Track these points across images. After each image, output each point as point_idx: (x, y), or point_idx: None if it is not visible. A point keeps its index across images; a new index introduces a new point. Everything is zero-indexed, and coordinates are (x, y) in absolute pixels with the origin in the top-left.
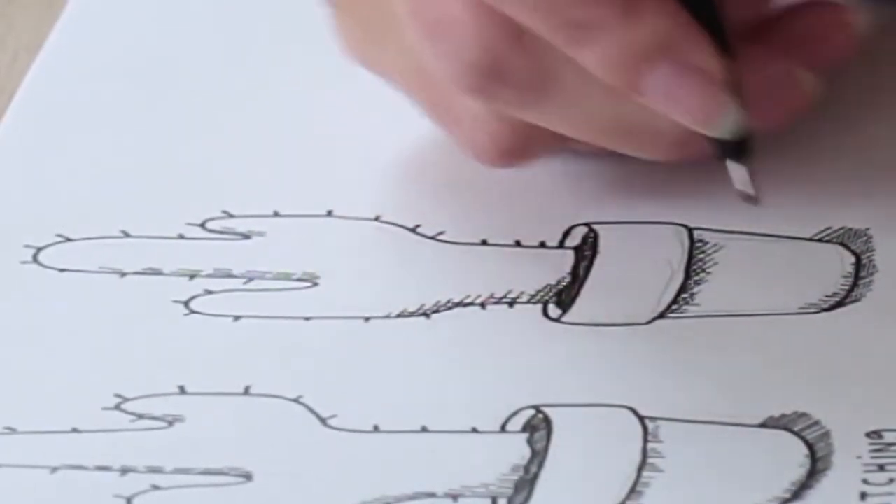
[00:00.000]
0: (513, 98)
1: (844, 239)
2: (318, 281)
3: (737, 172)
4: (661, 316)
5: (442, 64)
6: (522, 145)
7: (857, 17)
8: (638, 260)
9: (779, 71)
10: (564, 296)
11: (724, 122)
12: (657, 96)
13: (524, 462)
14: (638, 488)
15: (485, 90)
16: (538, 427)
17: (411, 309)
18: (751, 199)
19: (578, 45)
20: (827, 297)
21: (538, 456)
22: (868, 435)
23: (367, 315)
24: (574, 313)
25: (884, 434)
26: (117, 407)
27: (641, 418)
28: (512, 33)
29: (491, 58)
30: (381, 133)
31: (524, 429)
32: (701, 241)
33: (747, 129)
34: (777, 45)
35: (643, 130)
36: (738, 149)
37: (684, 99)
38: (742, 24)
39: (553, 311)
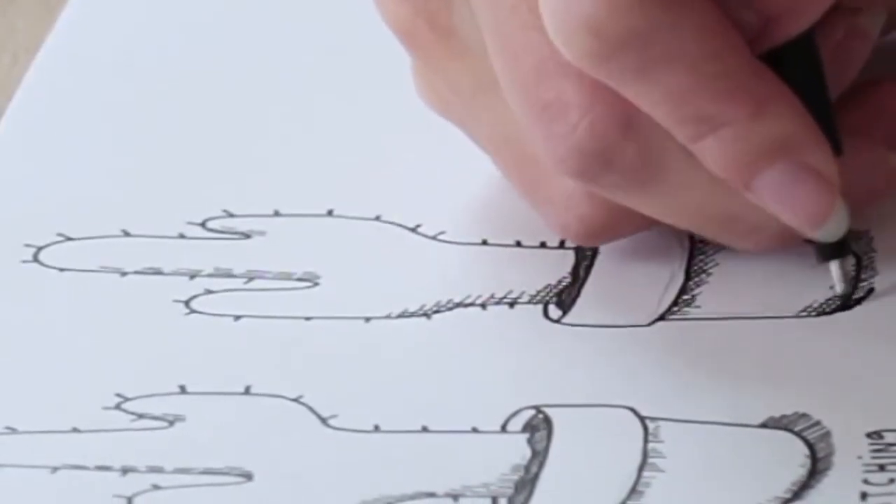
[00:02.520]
0: (617, 184)
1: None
2: (318, 281)
3: (836, 271)
4: (662, 317)
5: (550, 146)
6: (612, 227)
7: None
8: (638, 261)
9: (873, 157)
10: (565, 296)
11: (832, 226)
12: (769, 195)
13: (525, 462)
14: (638, 488)
15: (589, 175)
16: (539, 427)
17: (412, 309)
18: (846, 298)
19: (700, 139)
20: (827, 299)
21: (539, 456)
22: (869, 435)
23: (367, 315)
24: (575, 314)
25: (884, 434)
26: (117, 407)
27: (642, 418)
28: (626, 119)
29: (601, 144)
30: (381, 132)
31: (525, 429)
32: (701, 242)
33: (848, 229)
34: (864, 127)
35: (742, 224)
36: (838, 248)
37: (796, 201)
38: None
39: (554, 311)
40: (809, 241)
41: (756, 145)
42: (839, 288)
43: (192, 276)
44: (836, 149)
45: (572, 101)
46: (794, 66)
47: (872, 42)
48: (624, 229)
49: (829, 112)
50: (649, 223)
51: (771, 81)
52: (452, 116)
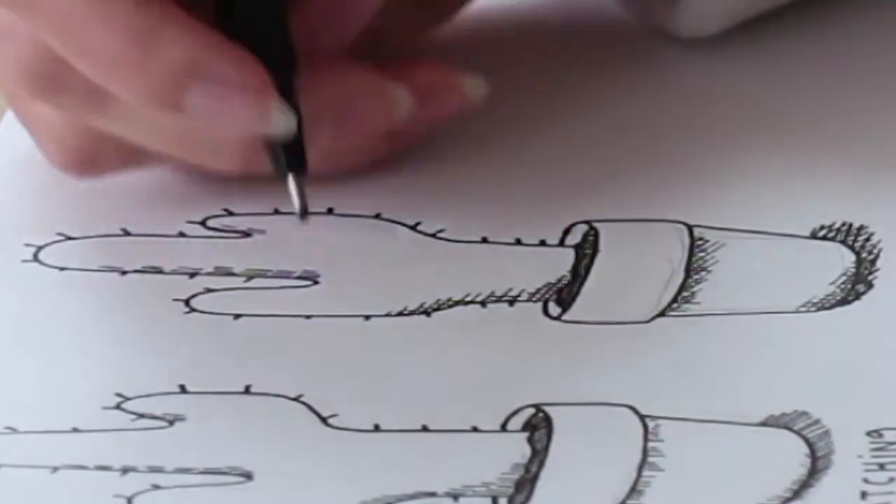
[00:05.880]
0: (72, 104)
1: (845, 237)
2: (318, 279)
3: (292, 185)
4: (662, 314)
5: (6, 68)
6: (91, 154)
7: (472, 83)
8: (638, 258)
9: (366, 79)
10: (565, 294)
11: (274, 124)
12: (202, 114)
13: (525, 461)
14: (638, 487)
15: (44, 94)
16: (538, 426)
17: (412, 307)
18: (303, 214)
19: (107, 79)
20: (827, 295)
21: (539, 455)
22: (868, 434)
23: (367, 313)
24: (574, 311)
25: (884, 433)
26: (117, 406)
27: (642, 417)
28: None
29: (44, 63)
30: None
31: (524, 428)
32: (701, 239)
33: (299, 142)
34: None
35: (207, 141)
36: (292, 162)
37: (228, 111)
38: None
39: (553, 309)
40: (272, 155)
41: (161, 75)
42: (295, 203)
43: (192, 275)
44: (291, 65)
45: (18, 25)
46: None
47: None
48: (107, 159)
49: (281, 26)
50: (134, 152)
51: (158, 10)
52: None
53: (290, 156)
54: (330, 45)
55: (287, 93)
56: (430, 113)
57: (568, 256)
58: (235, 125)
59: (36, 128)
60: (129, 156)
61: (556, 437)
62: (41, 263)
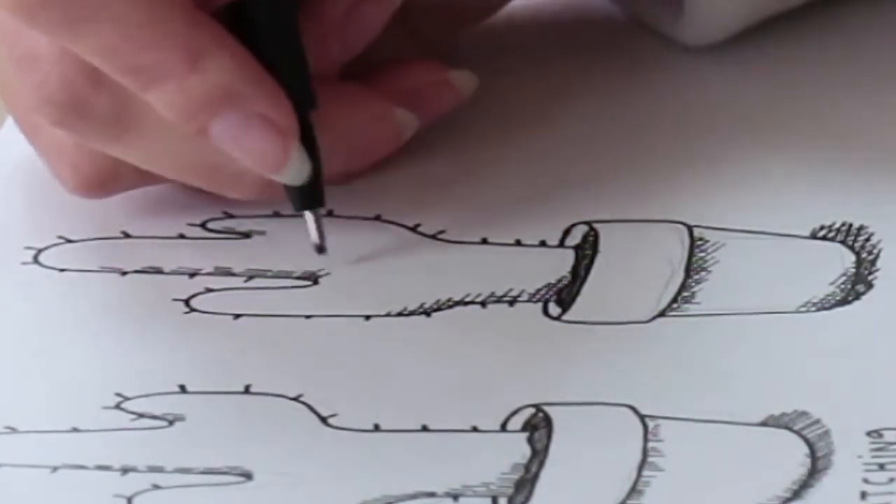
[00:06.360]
0: (93, 133)
1: (845, 237)
2: (318, 279)
3: (310, 221)
4: (662, 314)
5: (26, 95)
6: (105, 178)
7: (463, 77)
8: (638, 258)
9: (377, 108)
10: (565, 294)
11: (290, 171)
12: (224, 142)
13: (525, 461)
14: (638, 487)
15: (65, 123)
16: (538, 426)
17: (412, 307)
18: (320, 250)
19: (146, 89)
20: (827, 295)
21: (539, 455)
22: (868, 434)
23: (367, 313)
24: (574, 312)
25: (884, 433)
26: (117, 406)
27: (642, 417)
28: (94, 70)
29: (69, 93)
30: None
31: (524, 428)
32: (701, 239)
33: (316, 179)
34: (375, 85)
35: (224, 172)
36: (309, 199)
37: (249, 146)
38: (351, 75)
39: (553, 309)
40: (288, 191)
41: (198, 95)
42: (313, 237)
43: (192, 275)
44: (310, 102)
45: (43, 53)
46: (264, 21)
47: (392, 7)
48: (120, 182)
49: (302, 67)
50: (146, 175)
51: (209, 33)
52: None
53: (308, 193)
54: (340, 58)
55: (307, 132)
56: (427, 112)
57: (568, 257)
58: (251, 161)
59: (49, 152)
60: (143, 178)
61: (556, 437)
62: (41, 265)
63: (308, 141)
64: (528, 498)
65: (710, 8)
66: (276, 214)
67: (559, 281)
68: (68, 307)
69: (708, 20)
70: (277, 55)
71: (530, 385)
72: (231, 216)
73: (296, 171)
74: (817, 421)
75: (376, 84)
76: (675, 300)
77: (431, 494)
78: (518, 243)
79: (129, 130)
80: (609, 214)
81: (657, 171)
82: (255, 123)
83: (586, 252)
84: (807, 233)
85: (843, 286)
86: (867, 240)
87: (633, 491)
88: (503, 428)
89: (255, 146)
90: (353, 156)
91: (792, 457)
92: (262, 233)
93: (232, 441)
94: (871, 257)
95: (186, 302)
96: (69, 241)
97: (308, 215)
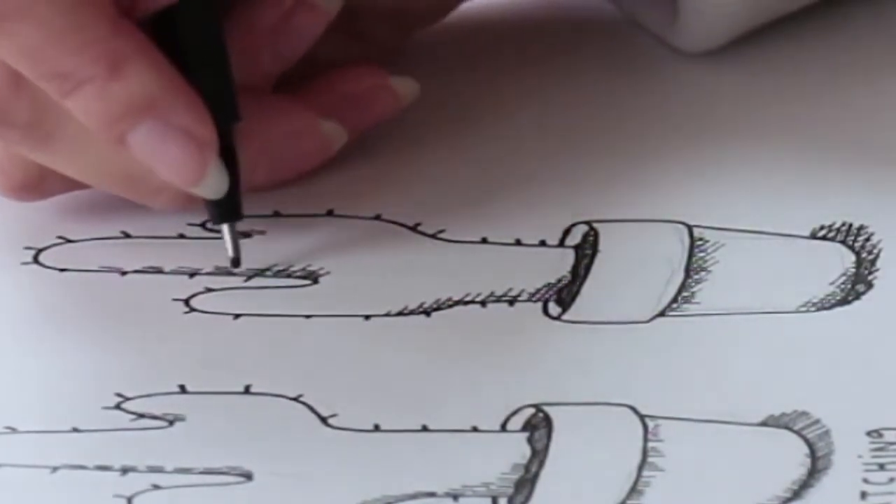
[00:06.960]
0: (14, 139)
1: (845, 237)
2: (318, 279)
3: (227, 234)
4: (662, 314)
5: None
6: (33, 183)
7: (404, 83)
8: (638, 258)
9: (301, 121)
10: (565, 294)
11: (207, 184)
12: (142, 152)
13: (525, 461)
14: (638, 487)
15: None
16: (538, 426)
17: (412, 307)
18: (235, 263)
19: (66, 95)
20: (827, 295)
21: (539, 455)
22: (868, 434)
23: (367, 313)
24: (574, 311)
25: (884, 433)
26: (117, 406)
27: (642, 417)
28: (16, 76)
29: None
30: (382, 132)
31: (524, 428)
32: (701, 239)
33: (235, 192)
34: (303, 97)
35: (146, 183)
36: (227, 211)
37: (167, 158)
38: (287, 84)
39: (553, 309)
40: (206, 203)
41: (118, 103)
42: (230, 251)
43: (192, 275)
44: (232, 114)
45: None
46: (188, 33)
47: (327, 18)
48: (48, 186)
49: (226, 79)
50: (72, 182)
51: (132, 41)
52: None
53: (225, 206)
54: (272, 68)
55: (226, 143)
56: (367, 117)
57: (568, 257)
58: (168, 173)
59: None
60: (70, 184)
61: (556, 437)
62: (41, 265)
63: (228, 154)
64: (528, 498)
65: (701, 19)
66: (277, 214)
67: (559, 281)
68: (68, 307)
69: (700, 30)
70: (201, 66)
71: (530, 385)
72: None
73: (213, 184)
74: (817, 421)
75: (317, 88)
76: (674, 300)
77: (431, 494)
78: (518, 243)
79: (50, 137)
80: (609, 214)
81: (657, 170)
82: (173, 135)
83: (586, 252)
84: (807, 233)
85: (843, 286)
86: (867, 240)
87: (633, 491)
88: (503, 428)
89: (173, 158)
90: (277, 168)
91: (792, 457)
92: (262, 233)
93: (232, 441)
94: (871, 257)
95: (186, 302)
96: (69, 241)
97: (224, 228)
